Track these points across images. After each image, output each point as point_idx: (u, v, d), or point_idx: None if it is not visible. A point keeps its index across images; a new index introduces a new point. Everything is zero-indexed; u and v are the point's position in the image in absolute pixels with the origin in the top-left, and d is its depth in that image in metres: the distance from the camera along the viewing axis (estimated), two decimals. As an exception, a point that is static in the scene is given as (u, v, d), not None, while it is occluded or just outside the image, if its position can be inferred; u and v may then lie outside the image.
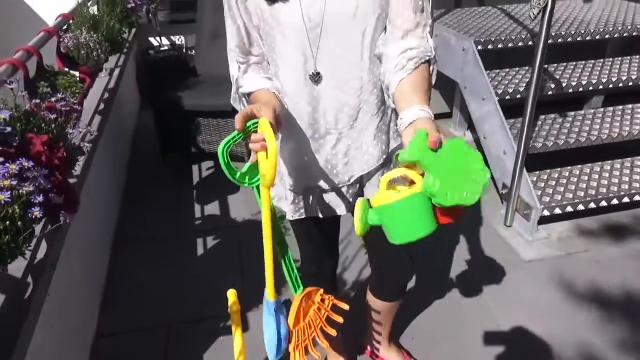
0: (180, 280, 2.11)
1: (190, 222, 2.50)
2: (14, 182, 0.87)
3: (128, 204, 2.65)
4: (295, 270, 1.08)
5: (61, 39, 1.91)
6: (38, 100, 1.12)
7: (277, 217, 1.04)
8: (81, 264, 1.81)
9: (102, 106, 2.24)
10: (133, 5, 2.84)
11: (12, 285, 1.13)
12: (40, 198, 0.91)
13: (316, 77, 1.03)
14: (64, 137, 1.16)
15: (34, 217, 0.90)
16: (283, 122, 0.98)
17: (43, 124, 1.13)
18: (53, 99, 1.18)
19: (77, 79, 1.78)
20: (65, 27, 2.10)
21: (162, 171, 2.94)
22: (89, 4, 2.53)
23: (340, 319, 1.09)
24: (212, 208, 2.59)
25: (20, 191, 0.88)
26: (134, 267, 2.20)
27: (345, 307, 1.09)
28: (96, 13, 2.36)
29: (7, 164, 0.88)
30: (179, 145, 2.87)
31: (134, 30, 3.22)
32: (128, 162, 3.02)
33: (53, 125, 1.14)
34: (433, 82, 1.04)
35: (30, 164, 0.92)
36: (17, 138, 1.01)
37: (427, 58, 0.99)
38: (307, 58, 1.01)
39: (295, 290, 1.08)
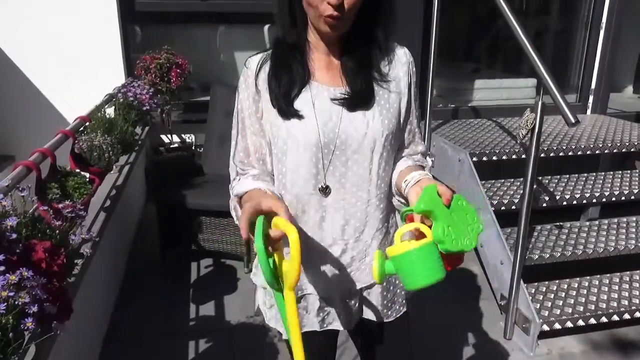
0: (167, 385, 2.04)
1: (184, 322, 2.46)
2: (11, 294, 0.89)
3: (124, 300, 2.63)
4: None
5: (76, 141, 2.03)
6: (46, 208, 1.18)
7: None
8: (68, 365, 1.77)
9: (108, 203, 2.31)
10: (148, 107, 3.02)
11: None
12: (35, 308, 0.92)
13: (325, 190, 1.08)
14: (66, 242, 1.20)
15: (26, 327, 0.91)
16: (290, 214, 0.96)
17: (48, 230, 1.18)
18: (60, 205, 1.24)
19: (87, 179, 1.86)
20: (81, 128, 2.23)
21: (160, 267, 2.94)
22: (106, 106, 2.71)
23: None
24: (208, 308, 2.56)
25: (16, 302, 0.90)
26: (121, 369, 2.13)
27: None
28: (112, 116, 2.52)
29: (7, 275, 0.91)
30: (179, 242, 2.90)
31: (147, 128, 3.39)
32: (128, 257, 3.03)
33: (57, 231, 1.19)
34: None
35: (30, 273, 0.95)
36: (20, 245, 1.05)
37: (423, 165, 1.16)
38: (319, 171, 1.06)
39: None
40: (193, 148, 3.90)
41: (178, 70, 3.48)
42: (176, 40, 3.88)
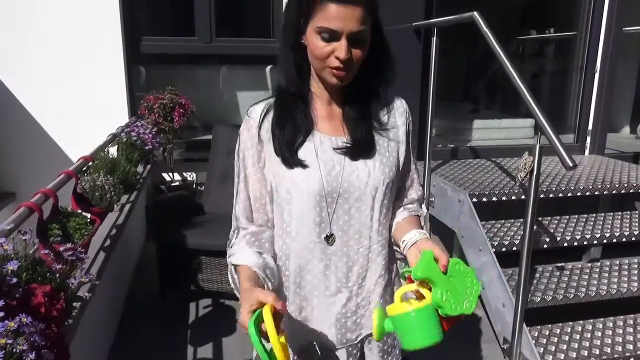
0: None
1: (180, 365, 2.41)
2: (10, 341, 0.88)
3: (121, 340, 2.58)
4: None
5: (79, 181, 2.04)
6: (48, 251, 1.18)
7: None
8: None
9: (108, 242, 2.30)
10: (151, 147, 3.06)
11: None
12: (32, 356, 0.92)
13: (330, 238, 1.09)
14: (66, 286, 1.20)
15: (23, 375, 0.90)
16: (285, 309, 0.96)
17: (48, 273, 1.18)
18: (62, 248, 1.24)
19: (88, 220, 1.87)
20: (84, 168, 2.25)
21: (159, 307, 2.91)
22: (109, 145, 2.74)
23: None
24: (206, 350, 2.51)
25: (14, 349, 0.89)
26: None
27: None
28: (115, 156, 2.54)
29: (6, 322, 0.90)
30: (179, 282, 2.88)
31: (149, 166, 3.42)
32: (126, 296, 3.00)
33: (57, 275, 1.19)
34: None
35: (29, 319, 0.95)
36: (20, 290, 1.05)
37: (419, 214, 1.19)
38: (323, 220, 1.08)
39: None
40: (194, 186, 3.92)
41: (181, 110, 3.54)
42: (179, 80, 3.97)
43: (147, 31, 3.95)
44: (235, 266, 1.09)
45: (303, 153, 1.07)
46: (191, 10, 3.89)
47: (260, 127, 1.10)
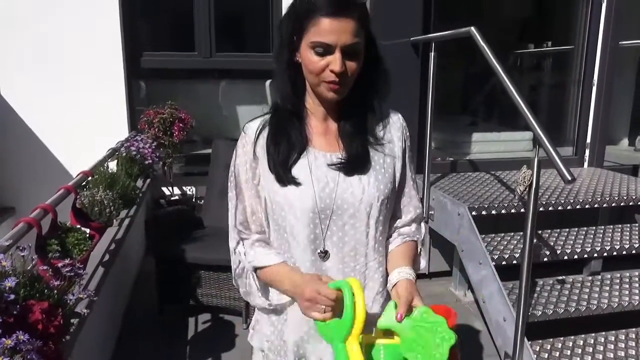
0: None
1: (179, 382, 2.39)
2: (7, 359, 0.88)
3: (119, 358, 2.56)
4: None
5: (78, 196, 2.04)
6: (46, 267, 1.18)
7: None
8: None
9: (107, 257, 2.29)
10: (150, 161, 3.06)
11: None
12: (28, 374, 0.91)
13: (324, 255, 1.09)
14: (64, 302, 1.19)
15: (19, 394, 0.89)
16: None
17: (46, 290, 1.17)
18: (60, 264, 1.24)
19: (87, 235, 1.87)
20: (84, 183, 2.25)
21: (157, 322, 2.89)
22: (108, 160, 2.75)
23: None
24: (204, 366, 2.50)
25: (10, 368, 0.89)
26: None
27: None
28: (114, 171, 2.55)
29: (2, 339, 0.90)
30: (178, 296, 2.87)
31: (148, 180, 3.42)
32: (125, 311, 2.98)
33: (55, 291, 1.18)
34: (421, 265, 1.19)
35: (26, 337, 0.94)
36: (18, 306, 1.05)
37: (415, 239, 1.16)
38: (317, 236, 1.08)
39: None
40: (194, 200, 3.92)
41: (181, 125, 3.55)
42: (180, 95, 3.99)
43: (148, 46, 3.99)
44: (256, 270, 1.12)
45: (297, 170, 1.07)
46: (191, 26, 3.93)
47: (255, 144, 1.10)
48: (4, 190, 3.68)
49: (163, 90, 4.10)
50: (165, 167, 3.67)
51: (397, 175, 1.14)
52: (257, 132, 1.11)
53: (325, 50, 0.98)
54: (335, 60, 0.98)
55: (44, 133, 3.70)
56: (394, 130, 1.15)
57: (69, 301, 1.20)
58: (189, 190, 4.04)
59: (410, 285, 1.04)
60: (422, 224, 1.21)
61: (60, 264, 1.24)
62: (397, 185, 1.14)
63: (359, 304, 0.93)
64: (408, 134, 1.17)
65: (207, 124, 4.17)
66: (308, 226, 1.06)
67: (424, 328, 0.95)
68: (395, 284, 1.06)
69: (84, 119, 3.68)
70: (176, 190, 3.99)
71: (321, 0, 0.97)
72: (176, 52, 4.08)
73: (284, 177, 1.06)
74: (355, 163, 1.08)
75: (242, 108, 4.40)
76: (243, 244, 1.15)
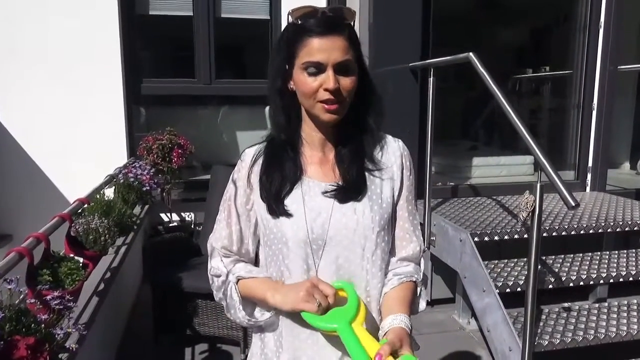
0: None
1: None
2: (-15, 401, 0.83)
3: (112, 390, 2.48)
4: None
5: (73, 224, 2.01)
6: (34, 300, 1.14)
7: None
8: None
9: (102, 286, 2.24)
10: (148, 188, 3.03)
11: None
12: (10, 416, 0.86)
13: None
14: (51, 337, 1.15)
15: None
16: None
17: (33, 324, 1.13)
18: (49, 297, 1.20)
19: (81, 264, 1.82)
20: (80, 210, 2.22)
21: (153, 353, 2.81)
22: (106, 187, 2.72)
23: None
24: (201, 399, 2.42)
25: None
26: None
27: None
28: (112, 197, 2.51)
29: (-18, 380, 0.85)
30: (174, 326, 2.80)
31: (146, 207, 3.39)
32: (120, 342, 2.91)
33: (43, 325, 1.14)
34: (421, 307, 1.14)
35: (9, 376, 0.90)
36: (1, 343, 1.00)
37: (413, 279, 1.09)
38: (310, 267, 1.04)
39: None
40: (192, 227, 3.87)
41: (180, 151, 3.54)
42: (179, 121, 3.99)
43: (148, 73, 4.00)
44: (237, 282, 1.08)
45: (290, 201, 1.05)
46: (191, 52, 3.95)
47: (251, 171, 1.09)
48: (1, 218, 3.64)
49: (163, 116, 4.10)
50: (164, 194, 3.64)
51: (396, 205, 1.10)
52: (253, 159, 1.09)
53: (317, 69, 0.97)
54: (328, 79, 0.97)
55: (43, 160, 3.68)
56: (394, 158, 1.11)
57: (57, 336, 1.16)
58: (188, 216, 4.00)
59: (401, 333, 0.97)
60: (422, 261, 1.15)
61: (49, 296, 1.20)
62: (394, 216, 1.10)
63: (362, 308, 0.97)
64: (410, 162, 1.13)
65: (207, 150, 4.16)
66: (300, 257, 1.03)
67: None
68: (387, 332, 0.98)
69: (84, 145, 3.66)
70: (175, 217, 3.95)
71: (310, 21, 0.97)
72: (176, 78, 4.10)
73: (276, 209, 1.04)
74: (350, 189, 1.04)
75: (241, 134, 4.40)
76: (223, 262, 1.13)
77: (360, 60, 1.04)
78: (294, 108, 1.06)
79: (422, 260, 1.15)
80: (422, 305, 1.13)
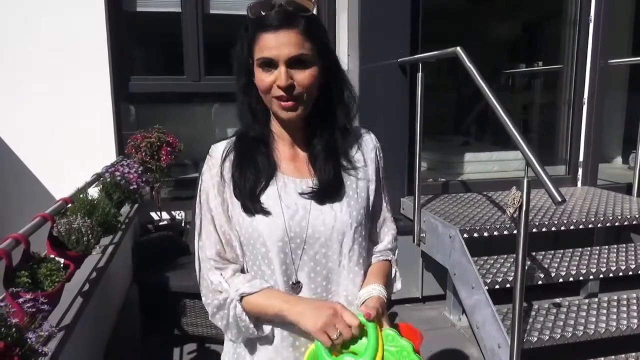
0: None
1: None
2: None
3: (99, 391, 2.46)
4: None
5: (55, 224, 1.97)
6: (5, 304, 1.11)
7: None
8: None
9: (87, 287, 2.21)
10: (136, 187, 3.00)
11: None
12: None
13: (296, 286, 1.03)
14: (23, 341, 1.12)
15: None
16: None
17: (3, 329, 1.10)
18: (21, 300, 1.17)
19: (62, 265, 1.79)
20: (63, 210, 2.18)
21: (141, 353, 2.79)
22: (92, 186, 2.68)
23: None
24: (189, 400, 2.39)
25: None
26: None
27: None
28: (96, 197, 2.48)
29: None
30: (161, 326, 2.77)
31: (136, 206, 3.35)
32: (106, 344, 2.88)
33: (14, 329, 1.11)
34: (396, 287, 1.17)
35: (-28, 383, 0.87)
36: (-32, 348, 0.98)
37: (389, 259, 1.14)
38: (288, 266, 1.02)
39: None
40: (183, 225, 3.85)
41: (168, 149, 3.50)
42: (169, 118, 3.96)
43: (136, 70, 3.96)
44: (241, 298, 1.01)
45: (265, 198, 1.02)
46: (180, 49, 3.91)
47: (222, 166, 1.05)
48: (-13, 218, 3.60)
49: (152, 114, 4.07)
50: (154, 192, 3.61)
51: (371, 198, 1.09)
52: (224, 154, 1.06)
53: (270, 65, 0.95)
54: (279, 75, 0.94)
55: (30, 159, 3.64)
56: (368, 151, 1.10)
57: (28, 340, 1.13)
58: (178, 214, 3.97)
59: (378, 301, 1.00)
60: (395, 243, 1.18)
61: (20, 300, 1.17)
62: (371, 209, 1.10)
63: (380, 352, 0.92)
64: (381, 154, 1.14)
65: (197, 147, 4.12)
66: (278, 256, 1.01)
67: (389, 352, 0.93)
68: (365, 301, 1.02)
69: (72, 144, 3.62)
70: (166, 215, 3.92)
71: (262, 17, 0.95)
72: (165, 75, 4.06)
73: (252, 206, 1.00)
74: (327, 191, 1.03)
75: (231, 131, 4.36)
76: (222, 275, 1.05)
77: (326, 51, 1.01)
78: (260, 104, 1.03)
79: (395, 242, 1.18)
80: (398, 285, 1.16)
